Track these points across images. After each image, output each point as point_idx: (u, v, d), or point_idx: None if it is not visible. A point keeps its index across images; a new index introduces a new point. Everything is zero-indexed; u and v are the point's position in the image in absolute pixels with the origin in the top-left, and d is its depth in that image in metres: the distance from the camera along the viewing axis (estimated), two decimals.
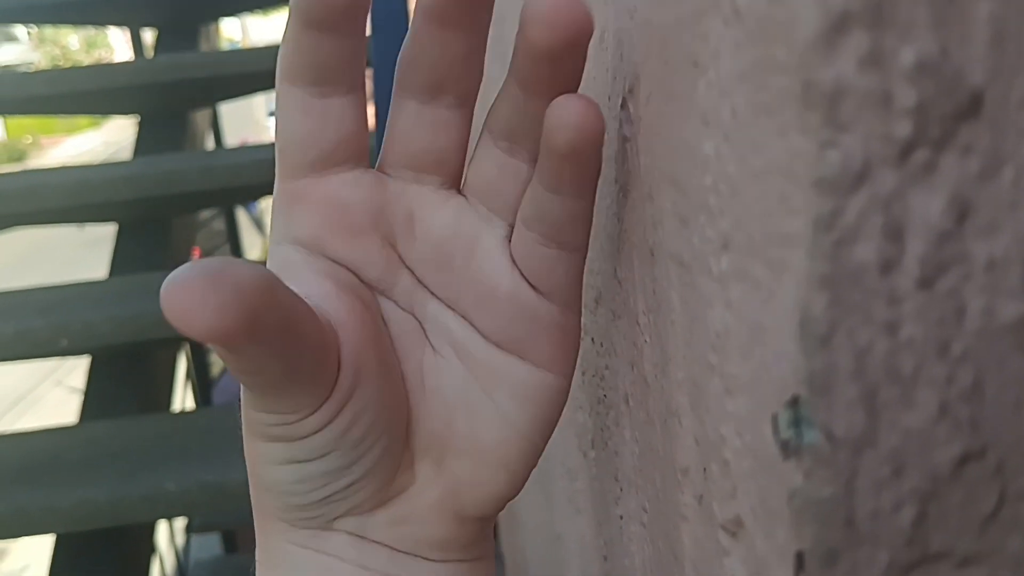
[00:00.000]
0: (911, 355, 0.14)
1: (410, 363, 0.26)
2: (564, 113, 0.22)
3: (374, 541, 0.26)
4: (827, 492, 0.15)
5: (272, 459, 0.24)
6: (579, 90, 0.24)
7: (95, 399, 1.60)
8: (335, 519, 0.26)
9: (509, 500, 0.28)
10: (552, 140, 0.22)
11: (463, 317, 0.26)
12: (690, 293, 0.21)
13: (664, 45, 0.21)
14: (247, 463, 0.26)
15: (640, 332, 0.29)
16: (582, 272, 0.27)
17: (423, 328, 0.27)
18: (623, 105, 0.27)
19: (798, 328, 0.14)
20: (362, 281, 0.26)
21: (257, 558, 0.28)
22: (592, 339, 0.44)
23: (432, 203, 0.26)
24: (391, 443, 0.25)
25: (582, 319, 0.47)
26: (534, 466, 0.28)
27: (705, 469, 0.22)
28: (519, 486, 0.28)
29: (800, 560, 0.15)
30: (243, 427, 0.25)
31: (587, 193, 0.25)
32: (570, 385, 0.28)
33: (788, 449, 0.15)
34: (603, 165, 0.33)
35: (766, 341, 0.16)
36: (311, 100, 0.24)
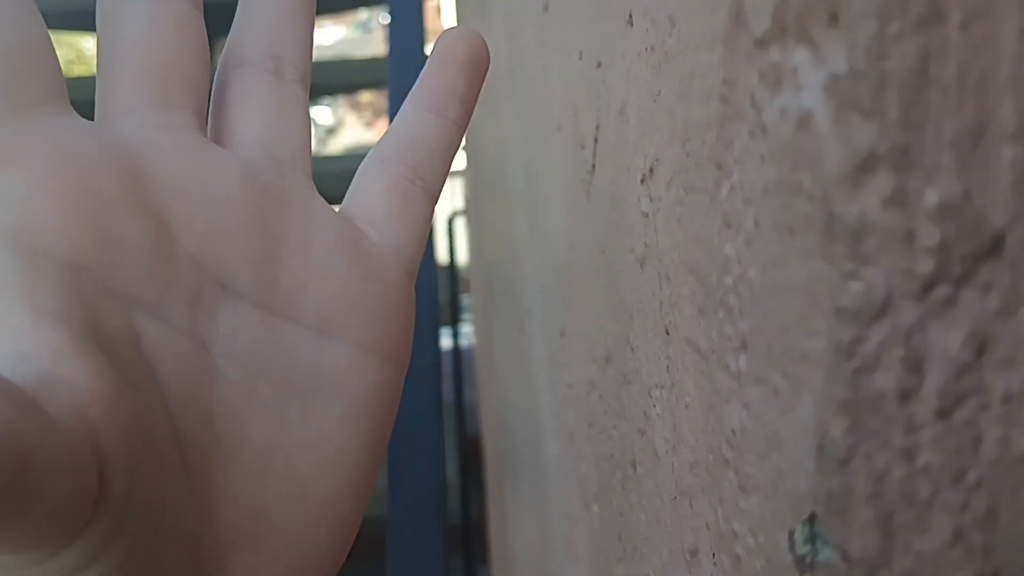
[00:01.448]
0: (927, 481, 0.14)
1: (194, 416, 0.17)
2: (463, 33, 0.22)
3: None
4: None
5: None
6: (596, 158, 0.24)
7: None
8: None
9: (346, 550, 0.20)
10: (452, 53, 0.22)
11: (267, 309, 0.18)
12: (706, 382, 0.22)
13: (687, 139, 0.22)
14: None
15: (652, 404, 0.29)
16: (430, 226, 0.22)
17: (208, 351, 0.18)
18: (643, 180, 0.28)
19: (816, 448, 0.15)
20: (111, 294, 0.16)
21: None
22: (600, 396, 0.44)
23: (201, 153, 0.18)
24: (186, 552, 0.17)
25: (591, 373, 0.47)
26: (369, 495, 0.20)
27: (714, 555, 0.22)
28: (355, 531, 0.20)
29: None
30: None
31: (463, 121, 0.22)
32: (403, 382, 0.21)
33: (803, 564, 0.15)
34: (620, 233, 0.33)
35: (783, 450, 0.17)
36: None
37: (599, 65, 0.36)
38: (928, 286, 0.14)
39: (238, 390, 0.18)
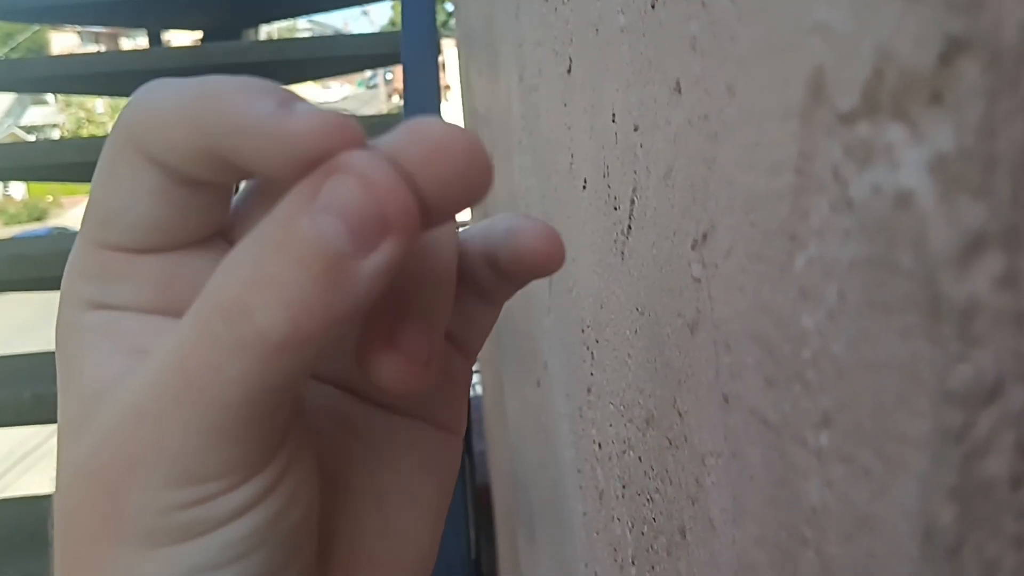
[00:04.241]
0: None
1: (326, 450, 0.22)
2: (549, 240, 0.22)
3: None
4: None
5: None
6: (633, 219, 0.24)
7: None
8: None
9: None
10: (528, 263, 0.22)
11: (348, 389, 0.23)
12: (776, 456, 0.21)
13: (751, 207, 0.22)
14: None
15: (706, 471, 0.29)
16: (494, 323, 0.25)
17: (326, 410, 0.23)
18: (694, 246, 0.28)
19: (923, 536, 0.14)
20: None
21: None
22: (640, 458, 0.43)
23: None
24: (311, 557, 0.21)
25: (628, 434, 0.46)
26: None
27: None
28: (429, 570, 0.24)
29: None
30: (107, 537, 0.18)
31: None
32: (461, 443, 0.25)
33: None
34: (664, 296, 0.33)
35: (877, 533, 0.16)
36: (171, 187, 0.19)
37: (636, 129, 0.36)
38: None
39: (341, 442, 0.23)
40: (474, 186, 0.18)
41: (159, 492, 0.17)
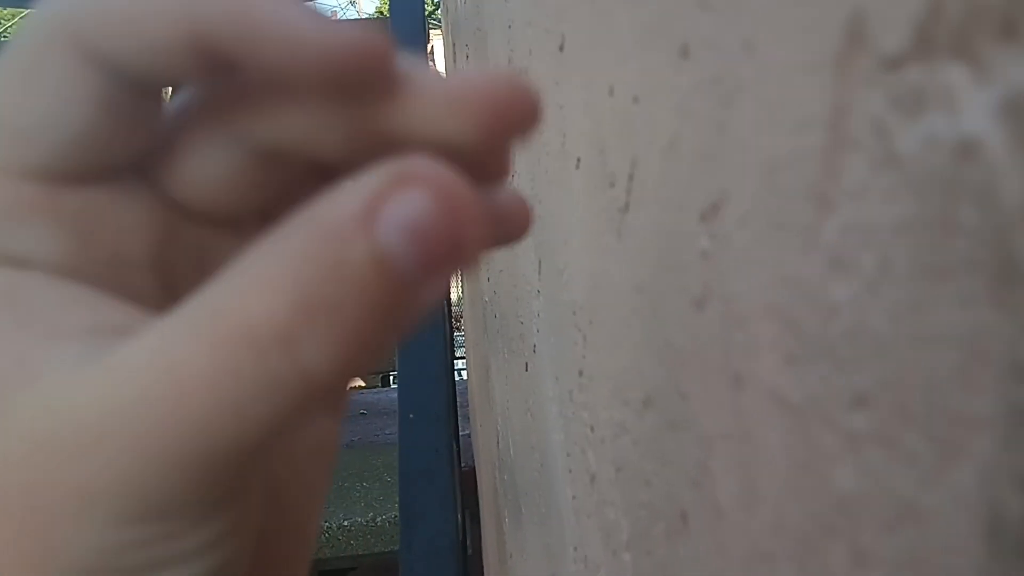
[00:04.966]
0: None
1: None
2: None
3: None
4: None
5: None
6: (631, 196, 0.22)
7: None
8: None
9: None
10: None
11: None
12: (798, 440, 0.20)
13: (772, 170, 0.20)
14: None
15: (712, 455, 0.27)
16: None
17: None
18: (703, 218, 0.26)
19: (987, 530, 0.13)
20: None
21: None
22: (634, 441, 0.42)
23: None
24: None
25: (622, 417, 0.45)
26: None
27: None
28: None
29: None
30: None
31: None
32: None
33: None
34: (667, 273, 0.31)
35: (925, 523, 0.15)
36: (113, 93, 0.16)
37: (636, 100, 0.34)
38: None
39: None
40: (521, 118, 0.16)
41: (107, 529, 0.14)
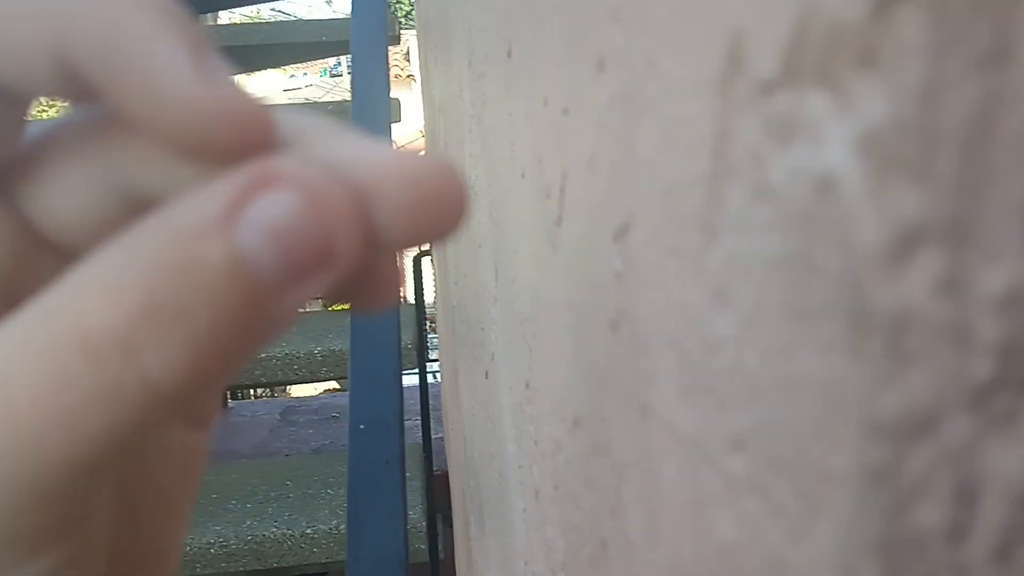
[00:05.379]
0: None
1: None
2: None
3: None
4: None
5: None
6: (563, 209, 0.21)
7: None
8: None
9: None
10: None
11: None
12: (690, 477, 0.19)
13: (669, 195, 0.19)
14: None
15: (624, 483, 0.26)
16: None
17: None
18: (615, 238, 0.25)
19: None
20: None
21: None
22: (567, 460, 0.41)
23: None
24: None
25: (558, 434, 0.44)
26: None
27: None
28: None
29: None
30: None
31: None
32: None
33: None
34: (589, 291, 0.30)
35: None
36: None
37: (566, 112, 0.33)
38: (985, 394, 0.11)
39: None
40: (442, 221, 0.14)
41: None
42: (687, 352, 0.18)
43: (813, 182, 0.12)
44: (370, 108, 1.08)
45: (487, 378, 0.96)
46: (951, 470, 0.11)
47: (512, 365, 0.68)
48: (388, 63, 1.33)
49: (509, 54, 0.52)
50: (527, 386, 0.58)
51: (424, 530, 1.75)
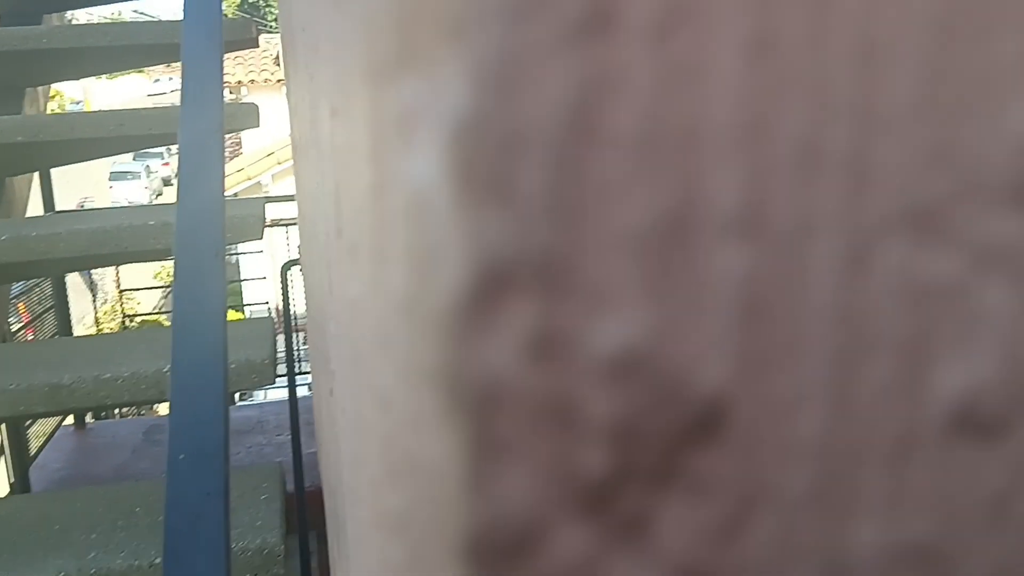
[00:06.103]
0: None
1: None
2: None
3: None
4: None
5: None
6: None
7: None
8: None
9: None
10: None
11: None
12: None
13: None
14: None
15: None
16: None
17: None
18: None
19: None
20: None
21: None
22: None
23: None
24: None
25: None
26: None
27: None
28: None
29: None
30: None
31: None
32: None
33: None
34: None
35: None
36: None
37: (334, 113, 0.30)
38: (602, 495, 0.08)
39: None
40: None
41: None
42: None
43: (405, 199, 0.09)
44: (200, 113, 1.02)
45: (332, 394, 0.92)
46: None
47: (344, 381, 0.64)
48: (221, 67, 1.27)
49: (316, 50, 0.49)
50: (343, 412, 0.55)
51: (282, 555, 1.68)
